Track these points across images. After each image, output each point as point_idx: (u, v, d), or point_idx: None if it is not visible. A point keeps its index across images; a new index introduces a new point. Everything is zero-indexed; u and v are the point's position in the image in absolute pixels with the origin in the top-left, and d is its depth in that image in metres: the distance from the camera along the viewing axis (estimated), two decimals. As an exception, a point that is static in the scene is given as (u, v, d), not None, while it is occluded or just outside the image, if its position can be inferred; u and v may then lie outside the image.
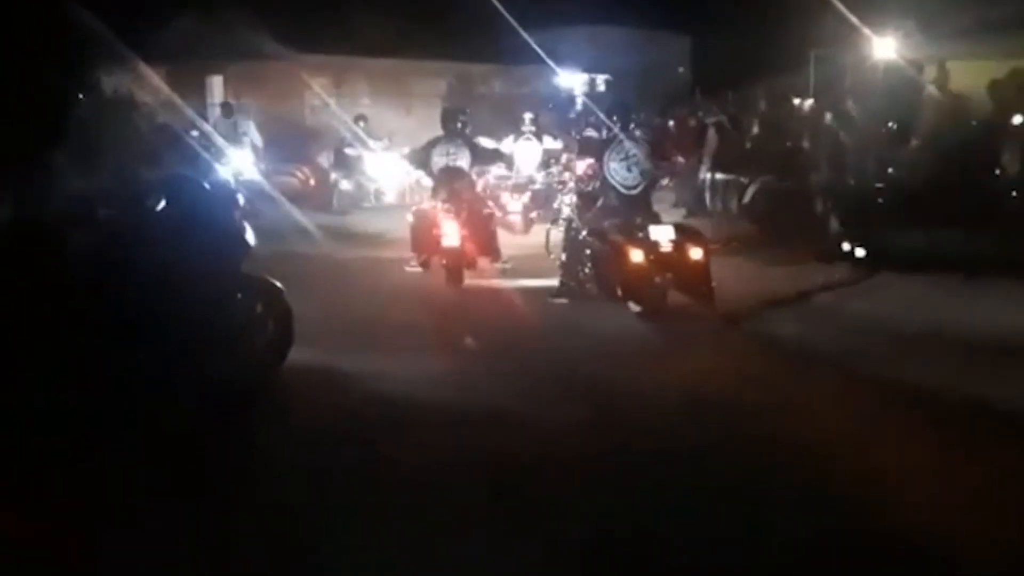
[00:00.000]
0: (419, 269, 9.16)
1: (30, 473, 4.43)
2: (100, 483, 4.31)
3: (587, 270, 7.90)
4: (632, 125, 8.34)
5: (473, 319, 7.54)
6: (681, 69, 22.15)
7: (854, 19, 13.34)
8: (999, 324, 6.73)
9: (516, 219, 11.44)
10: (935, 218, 9.54)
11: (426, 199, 9.60)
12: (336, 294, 8.18)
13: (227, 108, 14.85)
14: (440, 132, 9.29)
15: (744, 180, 10.50)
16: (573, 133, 11.63)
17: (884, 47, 13.92)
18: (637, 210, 7.79)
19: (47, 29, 12.47)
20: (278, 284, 6.29)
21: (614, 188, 7.86)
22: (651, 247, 7.27)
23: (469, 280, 8.67)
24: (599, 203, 7.96)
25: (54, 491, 4.23)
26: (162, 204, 5.74)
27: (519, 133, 11.84)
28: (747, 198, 10.57)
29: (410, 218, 9.43)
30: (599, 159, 8.02)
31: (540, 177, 11.30)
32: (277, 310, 6.18)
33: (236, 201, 6.35)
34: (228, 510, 4.11)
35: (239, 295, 6.03)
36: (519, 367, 6.06)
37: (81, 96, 11.18)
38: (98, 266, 5.47)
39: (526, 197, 11.59)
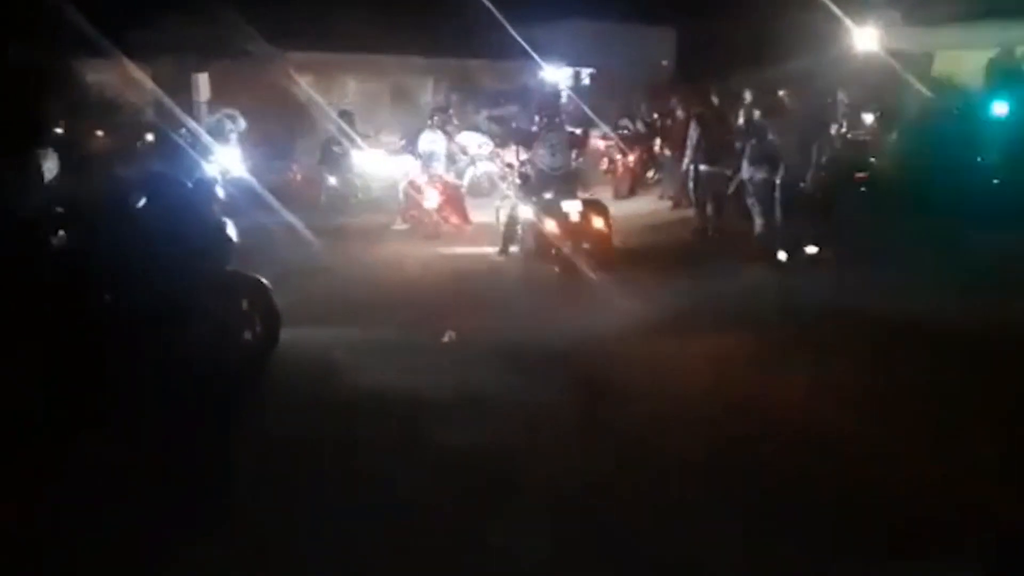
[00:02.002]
0: (405, 226, 11.98)
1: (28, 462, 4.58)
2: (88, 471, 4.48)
3: (519, 236, 9.63)
4: (558, 119, 10.27)
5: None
6: (665, 62, 22.13)
7: (838, 10, 13.40)
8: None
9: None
10: (918, 207, 9.61)
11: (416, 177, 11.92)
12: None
13: (215, 107, 14.83)
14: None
15: (728, 172, 10.51)
16: (514, 124, 13.62)
17: (868, 38, 14.00)
18: (561, 188, 9.25)
19: (29, 26, 12.44)
20: (263, 280, 6.31)
21: (541, 170, 9.44)
22: (562, 218, 8.85)
23: (442, 246, 10.99)
24: (530, 182, 9.59)
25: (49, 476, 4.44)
26: (143, 202, 5.75)
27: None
28: (731, 190, 10.60)
29: (402, 187, 12.14)
30: (528, 147, 9.90)
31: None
32: (263, 305, 6.21)
33: (217, 198, 6.37)
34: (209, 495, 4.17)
35: (223, 291, 6.05)
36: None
37: (64, 94, 11.20)
38: (79, 262, 5.48)
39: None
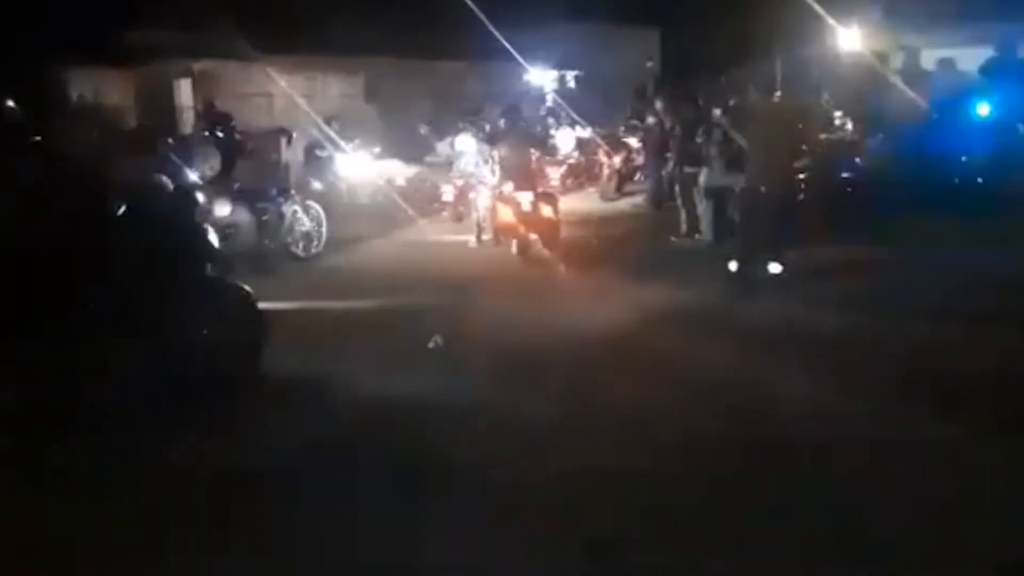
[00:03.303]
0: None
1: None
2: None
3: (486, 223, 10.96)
4: (522, 121, 12.30)
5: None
6: (650, 63, 22.12)
7: (820, 10, 13.42)
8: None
9: None
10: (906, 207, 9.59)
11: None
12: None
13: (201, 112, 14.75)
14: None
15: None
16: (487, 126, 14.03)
17: (852, 38, 14.03)
18: (521, 182, 10.29)
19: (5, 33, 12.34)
20: (247, 288, 6.26)
21: (503, 166, 10.65)
22: (516, 207, 10.04)
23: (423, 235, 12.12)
24: (498, 177, 10.73)
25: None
26: (122, 210, 5.69)
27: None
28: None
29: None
30: (495, 145, 11.24)
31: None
32: (248, 312, 6.15)
33: (198, 205, 6.31)
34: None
35: (206, 298, 5.99)
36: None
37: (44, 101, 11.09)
38: (57, 269, 5.41)
39: None
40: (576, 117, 16.64)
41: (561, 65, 20.76)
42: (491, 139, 12.01)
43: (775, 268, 8.35)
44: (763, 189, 8.16)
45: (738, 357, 6.27)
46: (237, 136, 11.27)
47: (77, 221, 5.81)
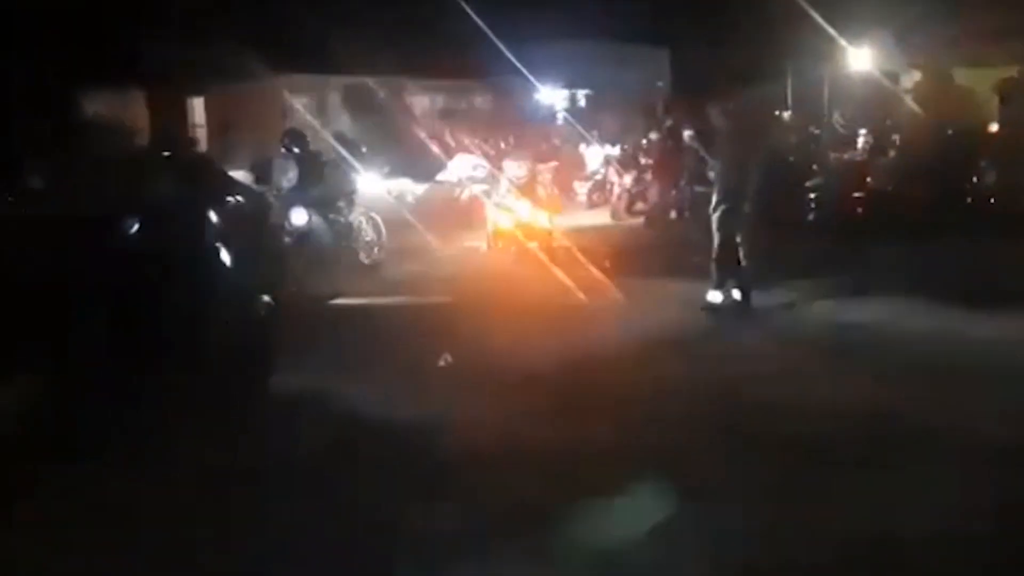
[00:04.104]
0: None
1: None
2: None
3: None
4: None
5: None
6: (660, 83, 22.19)
7: (832, 30, 13.45)
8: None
9: None
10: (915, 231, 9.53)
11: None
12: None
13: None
14: None
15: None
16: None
17: (861, 58, 14.06)
18: (524, 193, 11.23)
19: (22, 53, 12.46)
20: (262, 296, 6.28)
21: (509, 179, 11.48)
22: (514, 215, 11.17)
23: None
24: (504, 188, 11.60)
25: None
26: (136, 227, 5.70)
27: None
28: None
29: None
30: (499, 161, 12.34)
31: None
32: (261, 321, 6.17)
33: (212, 221, 6.32)
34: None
35: (219, 309, 5.99)
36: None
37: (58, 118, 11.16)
38: (72, 286, 5.43)
39: None
40: (586, 135, 16.71)
41: (571, 84, 20.85)
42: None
43: (736, 294, 7.91)
44: (724, 208, 7.86)
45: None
46: (311, 152, 11.69)
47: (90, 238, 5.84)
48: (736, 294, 7.80)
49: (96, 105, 15.75)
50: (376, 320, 8.35)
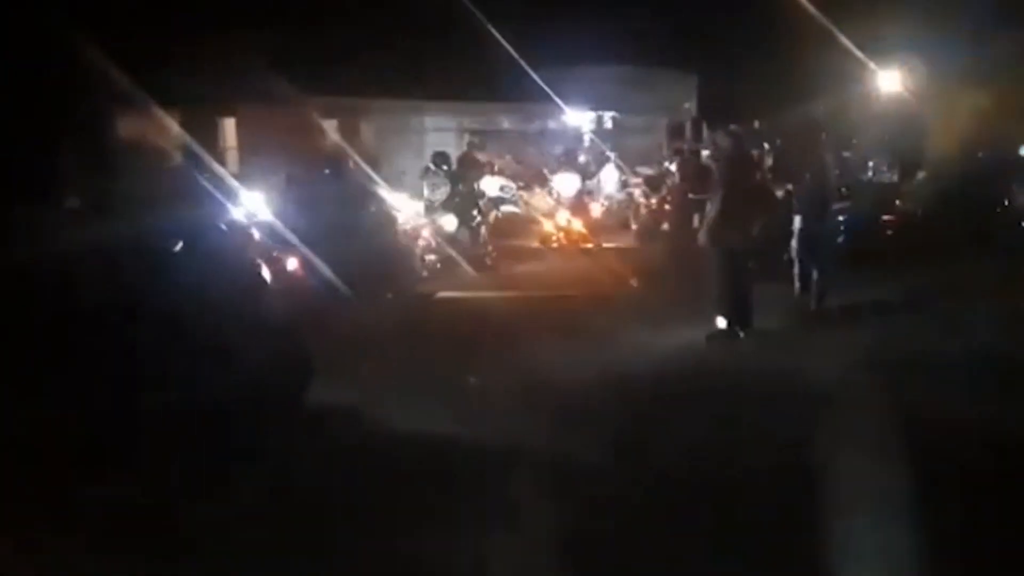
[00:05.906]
0: None
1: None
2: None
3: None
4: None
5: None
6: (687, 105, 22.22)
7: (860, 54, 13.48)
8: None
9: None
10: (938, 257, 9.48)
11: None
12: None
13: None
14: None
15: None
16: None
17: (890, 81, 14.07)
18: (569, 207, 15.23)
19: (56, 71, 12.67)
20: (296, 324, 6.36)
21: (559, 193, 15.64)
22: (556, 221, 14.69)
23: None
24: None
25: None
26: (179, 246, 5.82)
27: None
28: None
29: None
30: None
31: None
32: (296, 345, 6.25)
33: (252, 241, 6.43)
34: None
35: (258, 332, 6.07)
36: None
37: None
38: (115, 307, 5.53)
39: None
40: (613, 158, 16.79)
41: (598, 107, 20.92)
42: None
43: (721, 323, 8.10)
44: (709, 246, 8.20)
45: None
46: (454, 170, 13.90)
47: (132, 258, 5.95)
48: (720, 321, 8.06)
49: (129, 127, 15.99)
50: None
